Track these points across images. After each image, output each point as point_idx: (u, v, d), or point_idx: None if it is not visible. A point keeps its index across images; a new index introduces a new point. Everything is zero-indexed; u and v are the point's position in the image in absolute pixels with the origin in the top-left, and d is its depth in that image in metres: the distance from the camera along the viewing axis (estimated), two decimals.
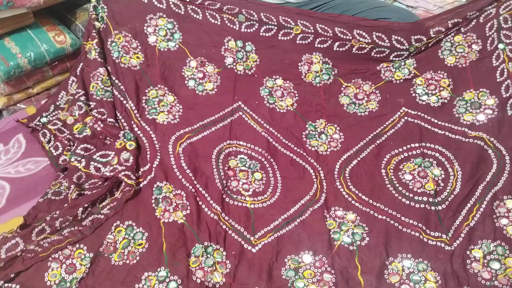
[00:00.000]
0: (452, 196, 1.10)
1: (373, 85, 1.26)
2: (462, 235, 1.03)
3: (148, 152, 1.16)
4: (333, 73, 1.29)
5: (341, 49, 1.28)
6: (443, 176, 1.13)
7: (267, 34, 1.27)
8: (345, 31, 1.26)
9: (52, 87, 1.51)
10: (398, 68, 1.25)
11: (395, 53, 1.27)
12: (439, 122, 1.22)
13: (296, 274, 0.98)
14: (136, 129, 1.20)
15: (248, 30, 1.27)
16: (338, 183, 1.15)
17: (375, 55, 1.27)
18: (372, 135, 1.22)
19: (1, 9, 1.27)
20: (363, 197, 1.12)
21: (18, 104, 1.46)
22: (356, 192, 1.13)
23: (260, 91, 1.27)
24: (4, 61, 1.35)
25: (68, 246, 0.99)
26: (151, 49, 1.26)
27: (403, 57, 1.28)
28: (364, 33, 1.26)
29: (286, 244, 1.04)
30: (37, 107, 1.40)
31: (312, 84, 1.29)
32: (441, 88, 1.24)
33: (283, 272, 0.99)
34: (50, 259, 0.97)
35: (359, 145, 1.21)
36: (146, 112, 1.22)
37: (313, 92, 1.28)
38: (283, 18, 1.26)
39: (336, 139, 1.23)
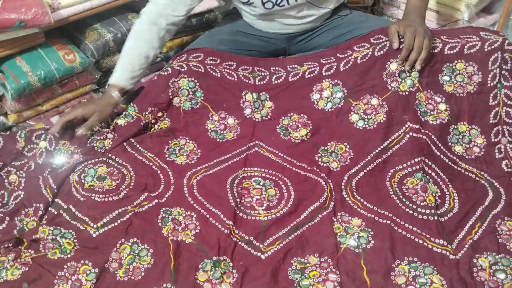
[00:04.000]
0: (451, 214, 1.10)
1: (380, 98, 1.26)
2: (467, 245, 1.02)
3: (162, 186, 1.20)
4: (343, 95, 1.31)
5: (347, 67, 1.31)
6: (439, 194, 1.14)
7: (278, 81, 1.36)
8: (346, 51, 1.32)
9: (61, 104, 1.54)
10: (404, 78, 1.24)
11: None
12: (437, 142, 1.22)
13: (302, 275, 0.99)
14: (153, 167, 1.24)
15: (261, 83, 1.37)
16: (344, 193, 1.17)
17: (379, 53, 1.27)
18: (379, 148, 1.22)
19: (13, 29, 1.31)
20: (368, 205, 1.13)
21: (27, 121, 1.49)
22: (362, 200, 1.14)
23: (277, 129, 1.33)
24: (15, 79, 1.38)
25: (73, 263, 1.00)
26: (176, 110, 1.34)
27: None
28: (362, 43, 1.30)
29: (294, 246, 1.05)
30: (46, 124, 1.43)
31: (324, 111, 1.31)
32: (439, 111, 1.25)
33: (289, 273, 0.99)
34: (57, 277, 0.97)
35: (366, 159, 1.22)
36: (166, 156, 1.28)
37: (326, 118, 1.31)
38: (290, 66, 1.36)
39: (346, 156, 1.24)
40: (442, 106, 1.25)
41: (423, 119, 1.23)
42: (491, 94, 1.25)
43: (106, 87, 1.32)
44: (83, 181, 1.18)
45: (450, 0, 1.71)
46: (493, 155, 1.22)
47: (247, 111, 1.35)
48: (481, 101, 1.25)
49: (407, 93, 1.24)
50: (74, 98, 1.56)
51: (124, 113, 1.33)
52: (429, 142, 1.20)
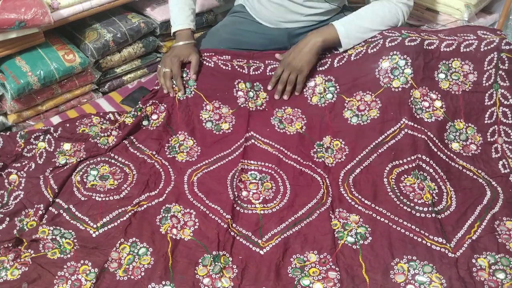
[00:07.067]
0: (449, 212, 1.10)
1: (373, 94, 1.27)
2: (465, 244, 1.02)
3: (162, 182, 1.20)
4: (336, 91, 1.32)
5: (341, 63, 1.32)
6: (436, 191, 1.14)
7: (272, 73, 1.36)
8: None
9: (60, 104, 1.54)
10: (397, 75, 1.25)
11: (389, 39, 1.27)
12: (434, 139, 1.22)
13: (302, 272, 0.99)
14: (156, 164, 1.25)
15: (256, 72, 1.37)
16: (342, 189, 1.17)
17: (371, 50, 1.28)
18: (374, 143, 1.22)
19: (13, 29, 1.31)
20: (366, 201, 1.13)
21: (27, 121, 1.49)
22: (359, 197, 1.14)
23: (271, 120, 1.33)
24: (15, 79, 1.38)
25: (73, 263, 1.00)
26: (171, 100, 1.34)
27: (397, 41, 1.26)
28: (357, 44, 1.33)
29: (293, 243, 1.05)
30: (46, 124, 1.43)
31: (318, 106, 1.32)
32: (434, 109, 1.25)
33: (289, 271, 1.00)
34: (56, 277, 0.98)
35: (362, 154, 1.22)
36: (167, 154, 1.28)
37: (320, 113, 1.32)
38: None
39: (341, 152, 1.25)
40: (438, 103, 1.25)
41: (418, 116, 1.23)
42: (487, 94, 1.26)
43: (173, 40, 1.40)
44: (85, 180, 1.19)
45: (449, 0, 1.72)
46: (490, 155, 1.23)
47: (241, 100, 1.35)
48: (477, 100, 1.26)
49: (399, 89, 1.24)
50: (73, 98, 1.56)
51: (132, 113, 1.34)
52: (426, 139, 1.20)
